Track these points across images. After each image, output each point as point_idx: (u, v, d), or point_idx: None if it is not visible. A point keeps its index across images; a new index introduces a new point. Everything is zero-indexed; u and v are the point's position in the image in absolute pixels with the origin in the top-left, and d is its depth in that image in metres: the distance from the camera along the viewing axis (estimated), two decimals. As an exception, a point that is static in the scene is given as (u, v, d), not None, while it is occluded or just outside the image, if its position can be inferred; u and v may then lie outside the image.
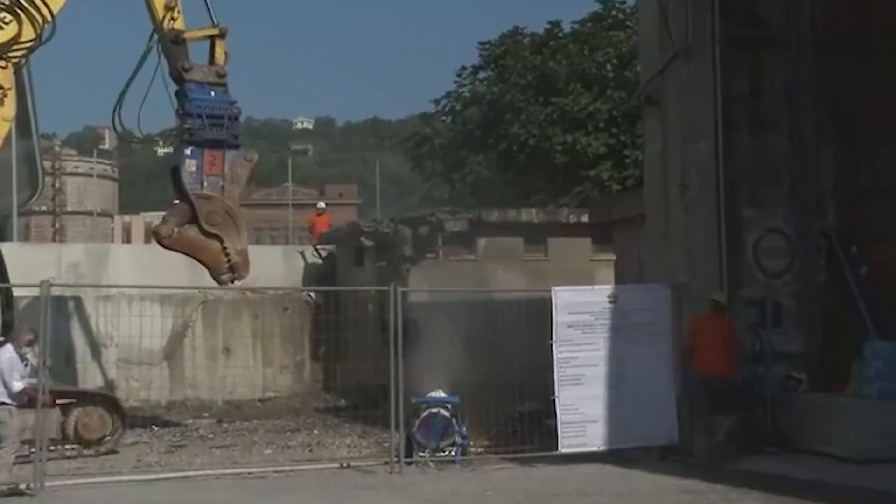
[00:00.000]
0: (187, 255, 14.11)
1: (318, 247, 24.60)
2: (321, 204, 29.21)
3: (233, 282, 14.00)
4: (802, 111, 14.24)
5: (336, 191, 71.33)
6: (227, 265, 13.77)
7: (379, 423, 14.69)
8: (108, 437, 14.57)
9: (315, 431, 16.97)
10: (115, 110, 13.46)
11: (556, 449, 12.57)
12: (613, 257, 18.77)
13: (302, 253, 24.71)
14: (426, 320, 16.33)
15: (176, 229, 13.47)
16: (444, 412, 12.88)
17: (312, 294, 22.58)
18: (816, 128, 14.32)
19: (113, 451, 14.45)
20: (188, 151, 13.50)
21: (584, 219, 20.13)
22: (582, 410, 12.66)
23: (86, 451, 14.22)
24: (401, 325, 12.63)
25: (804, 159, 14.23)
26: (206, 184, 13.55)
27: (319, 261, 24.44)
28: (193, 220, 13.54)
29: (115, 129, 13.69)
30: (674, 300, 13.15)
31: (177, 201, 13.75)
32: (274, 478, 12.06)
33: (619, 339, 12.82)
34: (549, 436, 12.79)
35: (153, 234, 14.12)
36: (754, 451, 12.62)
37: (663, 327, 13.00)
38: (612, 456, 12.61)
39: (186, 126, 13.35)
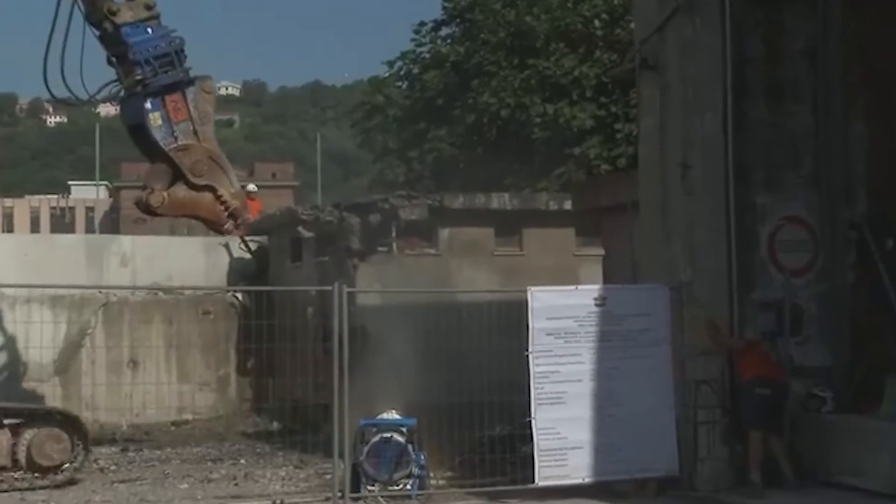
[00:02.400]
0: (183, 216, 15.06)
1: (247, 238, 24.45)
2: (251, 186, 28.97)
3: (237, 228, 14.83)
4: (828, 77, 14.34)
5: (268, 170, 71.13)
6: (226, 214, 14.46)
7: (319, 451, 14.65)
8: (68, 465, 14.69)
9: (242, 461, 16.87)
10: (44, 70, 13.85)
11: (533, 481, 12.57)
12: (601, 252, 18.82)
13: (226, 246, 24.52)
14: (377, 327, 16.30)
15: (165, 195, 14.05)
16: (398, 437, 12.86)
17: (239, 295, 22.45)
18: (845, 97, 14.42)
19: (71, 482, 14.50)
20: (148, 105, 13.99)
21: (567, 206, 20.18)
22: (563, 435, 12.69)
23: (40, 482, 14.28)
24: (346, 332, 12.58)
25: (830, 135, 14.33)
26: (177, 134, 14.08)
27: (248, 255, 24.30)
28: (177, 177, 14.12)
29: (50, 92, 14.07)
30: (673, 303, 13.22)
31: (154, 163, 14.37)
32: (191, 518, 12.03)
33: (609, 349, 12.86)
34: (525, 465, 12.79)
35: (142, 208, 14.57)
36: (770, 484, 12.71)
37: (661, 335, 13.07)
38: (598, 490, 12.65)
39: (137, 77, 13.80)
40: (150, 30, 14.20)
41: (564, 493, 12.50)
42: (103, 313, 21.82)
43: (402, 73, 33.58)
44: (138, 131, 14.44)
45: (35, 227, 77.92)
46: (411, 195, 20.39)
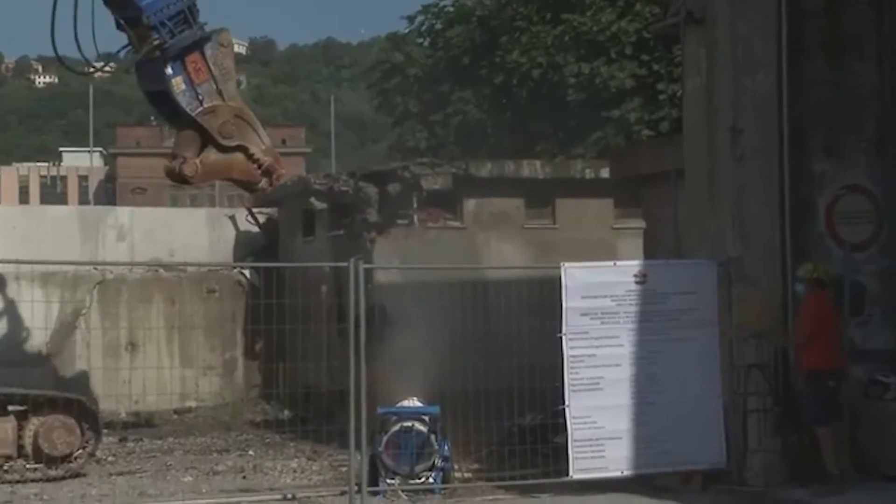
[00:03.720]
0: (218, 180, 16.21)
1: (254, 210, 24.53)
2: None
3: (272, 185, 15.44)
4: None
5: (278, 136, 70.99)
6: (259, 172, 15.01)
7: (334, 442, 14.73)
8: (78, 453, 15.04)
9: (250, 452, 17.02)
10: (52, 39, 14.21)
11: (567, 474, 12.61)
12: (642, 224, 18.81)
13: (232, 218, 24.66)
14: (396, 307, 16.37)
15: (198, 162, 14.53)
16: (419, 427, 12.91)
17: (246, 272, 22.57)
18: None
19: (79, 474, 14.79)
20: (169, 70, 14.36)
21: (605, 174, 20.16)
22: (600, 424, 12.71)
23: (51, 472, 14.63)
24: (363, 312, 12.62)
25: (896, 95, 14.25)
26: (201, 96, 14.50)
27: (256, 228, 24.40)
28: (206, 141, 14.60)
29: (59, 60, 14.69)
30: (721, 280, 13.20)
31: (181, 130, 14.92)
32: (196, 513, 12.09)
33: (650, 330, 12.87)
34: (558, 457, 12.84)
35: (175, 178, 15.03)
36: (827, 478, 12.70)
37: (708, 315, 13.06)
38: (639, 484, 12.70)
39: (155, 42, 14.09)
40: None
41: (601, 487, 12.54)
42: (99, 292, 21.96)
43: (423, 28, 33.50)
44: (159, 97, 14.81)
45: (24, 197, 78.40)
46: (434, 163, 20.42)
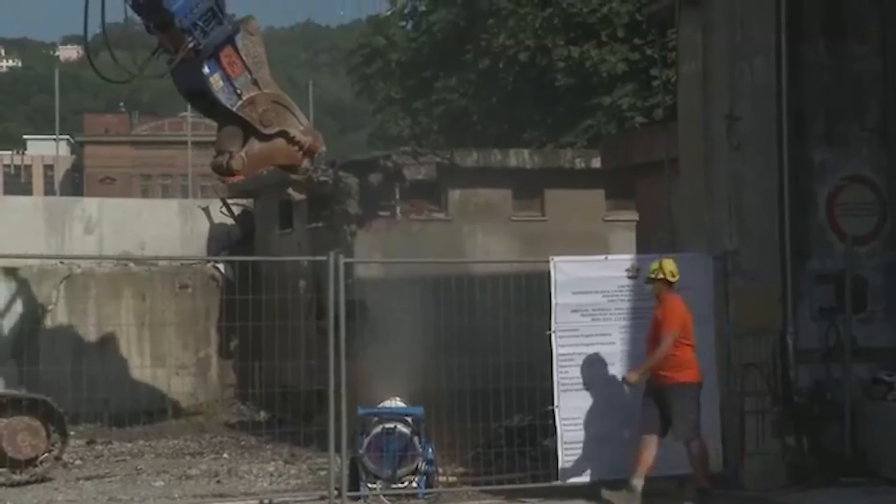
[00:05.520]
0: (263, 168, 16.58)
1: (229, 201, 24.49)
2: None
3: (311, 163, 15.85)
4: (898, 13, 14.27)
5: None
6: (300, 153, 15.48)
7: (313, 444, 14.70)
8: (44, 457, 15.08)
9: (225, 455, 17.01)
10: (86, 48, 14.82)
11: (556, 479, 12.61)
12: (635, 216, 18.83)
13: (206, 209, 24.60)
14: (378, 302, 16.34)
15: (244, 155, 15.02)
16: (402, 428, 12.90)
17: (221, 266, 22.53)
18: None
19: (45, 479, 14.79)
20: (206, 69, 14.75)
21: (596, 164, 20.17)
22: (591, 426, 12.71)
23: (15, 476, 14.62)
24: (343, 309, 12.60)
25: (900, 81, 14.28)
26: (239, 90, 14.92)
27: (231, 220, 24.35)
28: (248, 132, 15.12)
29: (95, 70, 14.72)
30: (717, 274, 13.21)
31: (222, 126, 15.32)
32: (167, 520, 12.13)
33: (643, 328, 12.84)
34: (546, 460, 12.84)
35: (223, 172, 15.43)
36: (828, 482, 12.74)
37: (704, 311, 13.04)
38: (632, 488, 12.68)
39: (190, 45, 14.48)
40: None
41: (591, 491, 12.52)
42: (66, 287, 21.88)
43: (405, 10, 33.51)
44: (197, 96, 15.30)
45: (-10, 188, 78.14)
46: (417, 152, 20.39)
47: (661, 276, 12.30)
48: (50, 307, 21.73)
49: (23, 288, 21.25)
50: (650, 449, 12.09)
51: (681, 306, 12.34)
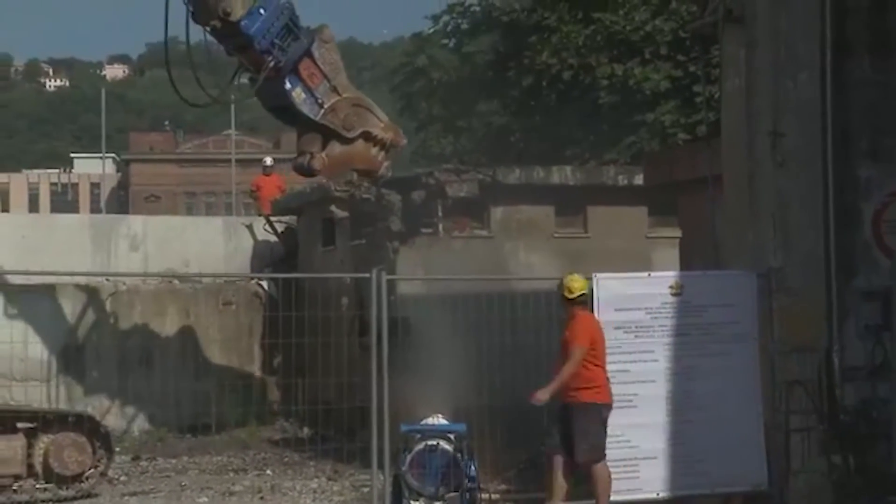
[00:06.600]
0: (343, 171, 17.15)
1: (273, 218, 24.58)
2: (267, 160, 29.10)
3: (389, 153, 16.25)
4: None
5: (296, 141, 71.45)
6: (381, 152, 16.01)
7: (356, 461, 14.73)
8: (90, 473, 15.17)
9: (268, 472, 17.05)
10: (169, 75, 15.09)
11: (600, 496, 12.56)
12: (678, 233, 18.75)
13: (250, 227, 24.70)
14: (421, 319, 16.33)
15: (324, 157, 15.56)
16: (445, 445, 12.89)
17: (264, 283, 22.59)
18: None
19: (91, 495, 14.91)
20: (288, 85, 15.22)
21: (639, 180, 20.12)
22: (635, 443, 12.69)
23: (62, 492, 14.72)
24: (386, 326, 12.61)
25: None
26: (321, 99, 15.41)
27: (274, 238, 24.43)
28: (329, 136, 15.67)
29: (180, 96, 15.23)
30: (761, 292, 13.15)
31: (303, 133, 15.95)
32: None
33: (687, 345, 12.84)
34: (590, 478, 12.79)
35: (304, 172, 16.02)
36: (874, 501, 12.63)
37: (747, 329, 13.02)
38: (676, 507, 12.63)
39: (271, 65, 14.92)
40: (262, 10, 14.90)
41: (635, 509, 12.47)
42: (111, 304, 22.00)
43: (448, 28, 33.51)
44: (281, 110, 15.78)
45: (34, 205, 79.02)
46: (460, 169, 20.40)
47: (572, 295, 12.17)
48: (95, 324, 21.86)
49: (69, 305, 21.40)
50: (557, 470, 11.98)
51: (591, 323, 12.22)
